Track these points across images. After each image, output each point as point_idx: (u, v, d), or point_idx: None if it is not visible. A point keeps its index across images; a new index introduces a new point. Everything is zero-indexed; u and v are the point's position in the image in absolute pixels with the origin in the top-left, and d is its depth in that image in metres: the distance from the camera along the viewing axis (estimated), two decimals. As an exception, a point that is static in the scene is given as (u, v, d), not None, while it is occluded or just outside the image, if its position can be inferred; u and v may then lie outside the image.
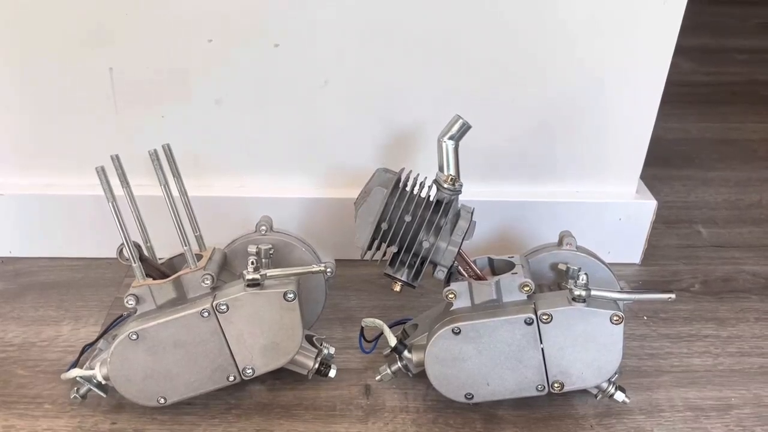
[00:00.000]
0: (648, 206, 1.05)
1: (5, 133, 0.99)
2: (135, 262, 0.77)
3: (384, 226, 0.77)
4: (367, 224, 0.78)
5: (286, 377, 0.85)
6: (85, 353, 0.86)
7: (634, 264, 1.10)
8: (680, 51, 0.96)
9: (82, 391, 0.80)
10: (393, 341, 0.81)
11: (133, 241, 0.77)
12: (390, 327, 0.82)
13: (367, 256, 0.80)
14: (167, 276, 0.79)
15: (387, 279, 0.80)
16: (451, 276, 0.80)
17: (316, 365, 0.83)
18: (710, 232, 1.17)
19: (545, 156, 1.03)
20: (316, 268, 0.78)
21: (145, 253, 0.81)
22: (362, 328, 0.85)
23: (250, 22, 0.92)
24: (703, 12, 1.98)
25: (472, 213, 0.82)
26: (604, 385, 0.80)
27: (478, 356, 0.77)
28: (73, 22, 0.91)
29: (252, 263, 0.77)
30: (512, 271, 0.79)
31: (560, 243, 0.86)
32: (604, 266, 0.86)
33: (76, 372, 0.79)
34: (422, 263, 0.79)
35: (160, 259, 0.84)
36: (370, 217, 0.78)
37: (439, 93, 0.96)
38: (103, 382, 0.79)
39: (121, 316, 0.89)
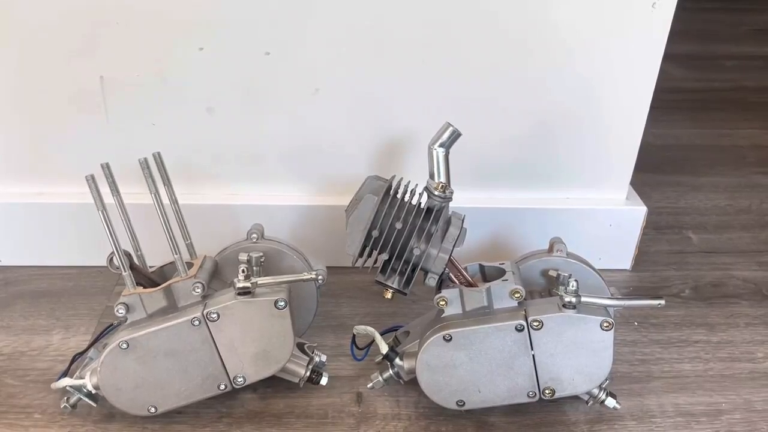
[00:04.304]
0: (638, 212, 1.06)
1: (-5, 142, 0.99)
2: (125, 271, 0.77)
3: (375, 233, 0.77)
4: (358, 232, 0.78)
5: (277, 385, 0.84)
6: (75, 362, 0.86)
7: (625, 270, 1.10)
8: (670, 57, 0.97)
9: (73, 400, 0.79)
10: (384, 348, 0.81)
11: (124, 250, 0.77)
12: (381, 334, 0.82)
13: (358, 264, 0.80)
14: (158, 284, 0.79)
15: (378, 286, 0.80)
16: (443, 283, 0.80)
17: (308, 373, 0.83)
18: (700, 238, 1.18)
19: (535, 162, 1.03)
20: (307, 275, 0.78)
21: (136, 261, 0.80)
22: (354, 335, 0.85)
23: (240, 30, 0.92)
24: (693, 19, 1.99)
25: (462, 220, 0.82)
26: (595, 391, 0.80)
27: (470, 363, 0.77)
28: (64, 30, 0.91)
29: (243, 271, 0.76)
30: (503, 278, 0.80)
31: (551, 249, 0.87)
32: (594, 272, 0.86)
33: (66, 381, 0.79)
34: (413, 270, 0.79)
35: (150, 267, 0.84)
36: (360, 225, 0.78)
37: (429, 100, 0.97)
38: (94, 392, 0.78)
39: (112, 324, 0.89)
